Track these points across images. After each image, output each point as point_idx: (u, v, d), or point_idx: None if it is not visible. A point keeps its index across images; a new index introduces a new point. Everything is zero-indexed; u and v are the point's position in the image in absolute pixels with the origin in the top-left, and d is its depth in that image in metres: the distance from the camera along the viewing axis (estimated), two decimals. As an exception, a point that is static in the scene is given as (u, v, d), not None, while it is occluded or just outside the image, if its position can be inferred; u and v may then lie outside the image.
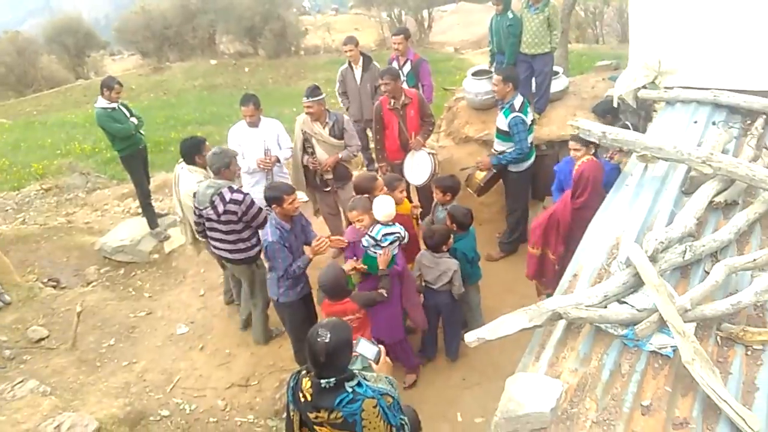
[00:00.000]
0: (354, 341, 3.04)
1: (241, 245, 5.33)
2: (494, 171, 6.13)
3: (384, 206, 4.76)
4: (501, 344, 3.95)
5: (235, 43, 19.67)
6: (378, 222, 4.77)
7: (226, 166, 5.15)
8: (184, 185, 5.58)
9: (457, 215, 5.13)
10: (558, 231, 4.92)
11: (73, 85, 17.94)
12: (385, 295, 4.73)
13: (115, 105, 6.77)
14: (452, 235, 5.02)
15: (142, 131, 7.14)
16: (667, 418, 2.62)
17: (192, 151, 5.52)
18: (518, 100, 5.84)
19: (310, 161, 6.07)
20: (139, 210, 7.82)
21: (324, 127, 6.03)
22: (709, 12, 5.28)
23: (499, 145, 6.16)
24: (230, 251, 5.34)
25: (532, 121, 6.06)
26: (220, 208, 5.09)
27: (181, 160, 5.66)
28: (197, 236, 5.64)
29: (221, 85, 15.76)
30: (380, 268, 4.72)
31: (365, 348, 3.23)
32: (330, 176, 6.17)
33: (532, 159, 6.19)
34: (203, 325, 6.30)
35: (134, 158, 7.13)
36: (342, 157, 6.08)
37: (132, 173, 7.29)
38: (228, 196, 5.07)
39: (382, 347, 3.38)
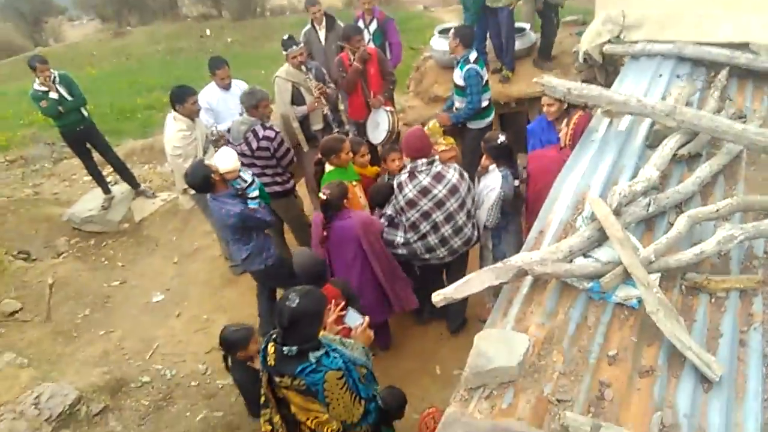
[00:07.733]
0: (344, 312, 3.05)
1: (278, 179, 5.55)
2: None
3: (227, 158, 4.59)
4: (474, 299, 4.03)
5: (198, 5, 19.09)
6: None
7: (254, 107, 5.32)
8: (167, 133, 5.60)
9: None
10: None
11: (32, 52, 17.28)
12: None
13: (42, 87, 6.55)
14: None
15: (83, 110, 6.90)
16: (633, 367, 2.67)
17: (173, 99, 5.52)
18: (473, 55, 5.76)
19: (317, 99, 6.05)
20: (108, 178, 7.77)
21: (308, 74, 6.08)
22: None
23: (458, 102, 6.05)
24: (267, 184, 5.41)
25: (486, 81, 5.92)
26: (254, 145, 5.29)
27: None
28: None
29: (185, 48, 15.34)
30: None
31: (352, 318, 3.28)
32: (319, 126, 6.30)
33: (491, 116, 6.12)
34: (179, 292, 6.31)
35: (71, 134, 7.00)
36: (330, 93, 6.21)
37: (72, 149, 7.28)
38: (261, 133, 5.30)
39: (367, 318, 3.40)
